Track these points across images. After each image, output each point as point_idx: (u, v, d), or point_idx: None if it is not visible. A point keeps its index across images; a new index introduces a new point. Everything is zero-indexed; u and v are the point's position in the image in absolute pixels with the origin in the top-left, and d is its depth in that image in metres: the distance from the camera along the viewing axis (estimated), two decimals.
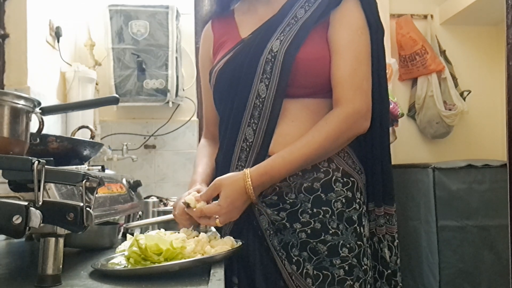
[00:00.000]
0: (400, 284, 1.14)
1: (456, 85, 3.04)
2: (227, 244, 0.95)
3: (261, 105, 1.09)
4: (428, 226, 2.53)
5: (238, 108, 1.12)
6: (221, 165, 1.16)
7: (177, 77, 2.54)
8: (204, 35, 1.31)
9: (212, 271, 0.86)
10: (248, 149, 1.10)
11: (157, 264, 0.84)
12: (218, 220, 0.99)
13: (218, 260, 0.89)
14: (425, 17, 3.11)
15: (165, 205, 1.83)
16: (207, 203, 1.02)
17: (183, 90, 2.66)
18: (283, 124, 1.09)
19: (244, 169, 1.03)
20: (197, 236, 0.97)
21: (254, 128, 1.09)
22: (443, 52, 3.07)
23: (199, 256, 0.88)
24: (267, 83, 1.08)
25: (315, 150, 1.03)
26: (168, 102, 2.54)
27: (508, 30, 1.69)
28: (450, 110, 2.95)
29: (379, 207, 1.13)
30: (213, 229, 1.56)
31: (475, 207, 2.52)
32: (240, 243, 0.99)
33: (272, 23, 1.12)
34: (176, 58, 2.54)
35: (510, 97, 1.70)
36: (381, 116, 1.11)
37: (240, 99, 1.11)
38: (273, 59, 1.07)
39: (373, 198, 1.14)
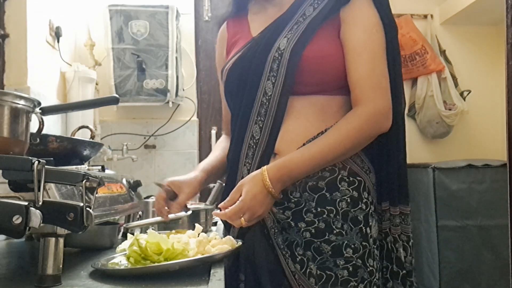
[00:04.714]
0: (416, 284, 1.12)
1: (456, 85, 3.04)
2: (227, 243, 0.96)
3: (267, 103, 1.09)
4: (428, 226, 2.54)
5: (246, 105, 1.12)
6: (230, 162, 1.17)
7: (177, 77, 2.54)
8: (220, 35, 1.33)
9: (212, 271, 0.86)
10: (254, 147, 1.10)
11: (157, 264, 0.84)
12: (243, 218, 0.99)
13: (218, 259, 0.90)
14: (425, 17, 3.11)
15: None
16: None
17: (183, 90, 2.66)
18: (289, 121, 1.09)
19: (263, 167, 1.03)
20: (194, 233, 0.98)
21: (261, 125, 1.10)
22: (443, 52, 3.07)
23: (199, 256, 0.88)
24: (273, 81, 1.08)
25: (334, 148, 1.03)
26: (168, 102, 2.54)
27: (508, 30, 1.69)
28: (450, 110, 2.95)
29: (395, 207, 1.11)
30: (213, 228, 1.56)
31: (475, 207, 2.52)
32: (240, 243, 0.99)
33: (281, 22, 1.13)
34: (176, 58, 2.54)
35: (510, 97, 1.70)
36: (397, 114, 1.10)
37: (248, 97, 1.12)
38: (279, 57, 1.07)
39: (387, 197, 1.12)
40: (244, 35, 1.21)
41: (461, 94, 3.03)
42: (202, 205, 1.55)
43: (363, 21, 1.08)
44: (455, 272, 2.50)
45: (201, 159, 2.69)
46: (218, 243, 0.95)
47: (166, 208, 1.14)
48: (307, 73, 1.07)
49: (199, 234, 0.99)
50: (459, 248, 2.50)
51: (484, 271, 2.50)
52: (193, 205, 1.62)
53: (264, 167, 1.02)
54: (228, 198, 1.03)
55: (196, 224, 1.05)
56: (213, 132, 2.80)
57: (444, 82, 3.00)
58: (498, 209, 2.37)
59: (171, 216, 1.15)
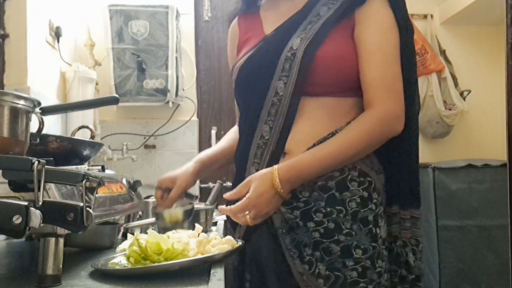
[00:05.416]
0: None
1: (456, 84, 3.04)
2: (227, 244, 0.96)
3: (278, 103, 1.08)
4: (428, 226, 2.54)
5: (257, 105, 1.11)
6: (238, 162, 1.16)
7: (177, 77, 2.54)
8: (231, 31, 1.31)
9: (212, 271, 0.86)
10: (264, 146, 1.09)
11: (157, 264, 0.84)
12: (248, 216, 0.98)
13: (217, 259, 0.90)
14: (425, 16, 3.11)
15: None
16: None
17: (183, 90, 2.66)
18: (299, 122, 1.08)
19: (274, 166, 1.03)
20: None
21: (271, 125, 1.08)
22: (443, 52, 3.07)
23: (199, 256, 0.88)
24: (285, 81, 1.07)
25: (345, 150, 1.02)
26: (168, 102, 2.55)
27: (508, 30, 1.69)
28: (450, 110, 2.95)
29: (405, 210, 1.10)
30: (213, 228, 1.56)
31: (475, 207, 2.52)
32: (240, 243, 0.99)
33: (295, 21, 1.11)
34: (176, 58, 2.54)
35: (510, 97, 1.70)
36: (410, 118, 1.08)
37: (258, 96, 1.11)
38: (292, 57, 1.06)
39: (397, 200, 1.11)
40: (256, 33, 1.19)
41: (461, 94, 3.03)
42: (202, 205, 1.55)
43: (377, 22, 1.07)
44: (455, 272, 2.50)
45: None
46: (218, 243, 0.95)
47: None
48: (319, 73, 1.05)
49: (199, 234, 0.99)
50: (459, 248, 2.51)
51: (484, 271, 2.50)
52: None
53: (275, 166, 1.01)
54: (234, 191, 1.02)
55: (196, 224, 1.05)
56: (213, 132, 2.80)
57: (444, 82, 3.00)
58: (498, 209, 2.37)
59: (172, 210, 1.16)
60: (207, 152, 1.29)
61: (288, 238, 1.06)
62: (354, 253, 1.03)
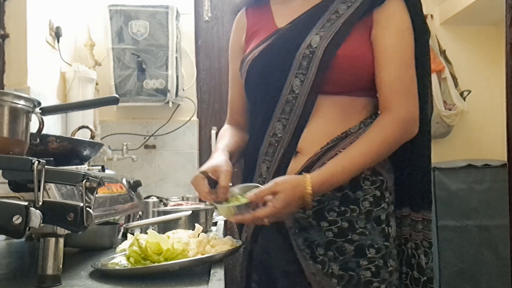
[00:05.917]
0: None
1: (456, 85, 3.04)
2: (227, 243, 0.96)
3: (293, 101, 1.07)
4: None
5: (270, 102, 1.09)
6: (248, 158, 1.15)
7: (177, 77, 2.54)
8: (237, 22, 1.28)
9: (212, 271, 0.86)
10: (276, 144, 1.08)
11: (157, 264, 0.84)
12: (268, 220, 0.95)
13: (217, 259, 0.90)
14: (425, 17, 3.10)
15: (165, 205, 1.83)
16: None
17: (183, 90, 2.66)
18: (313, 120, 1.07)
19: (305, 174, 0.98)
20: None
21: (284, 123, 1.07)
22: (443, 52, 3.06)
23: (199, 256, 0.88)
24: (302, 79, 1.06)
25: (371, 158, 1.02)
26: (168, 102, 2.54)
27: (508, 30, 1.69)
28: (450, 110, 2.95)
29: (417, 212, 1.10)
30: (213, 228, 1.56)
31: (475, 207, 2.52)
32: (240, 242, 0.99)
33: (311, 16, 1.10)
34: (176, 58, 2.54)
35: (510, 97, 1.70)
36: (423, 119, 1.08)
37: (272, 93, 1.09)
38: (311, 55, 1.05)
39: (409, 202, 1.10)
40: (267, 25, 1.17)
41: (461, 94, 3.03)
42: (202, 205, 1.55)
43: (395, 24, 1.06)
44: (455, 272, 2.50)
45: (201, 159, 2.69)
46: (218, 243, 0.95)
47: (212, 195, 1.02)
48: (337, 72, 1.05)
49: (199, 234, 0.99)
50: (459, 248, 2.51)
51: (484, 271, 2.50)
52: (193, 205, 1.62)
53: (309, 181, 0.96)
54: (258, 193, 0.95)
55: (196, 224, 1.05)
56: (213, 132, 2.80)
57: (444, 82, 3.00)
58: (498, 209, 2.37)
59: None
60: (224, 143, 1.16)
61: (300, 238, 1.04)
62: (367, 252, 1.03)
